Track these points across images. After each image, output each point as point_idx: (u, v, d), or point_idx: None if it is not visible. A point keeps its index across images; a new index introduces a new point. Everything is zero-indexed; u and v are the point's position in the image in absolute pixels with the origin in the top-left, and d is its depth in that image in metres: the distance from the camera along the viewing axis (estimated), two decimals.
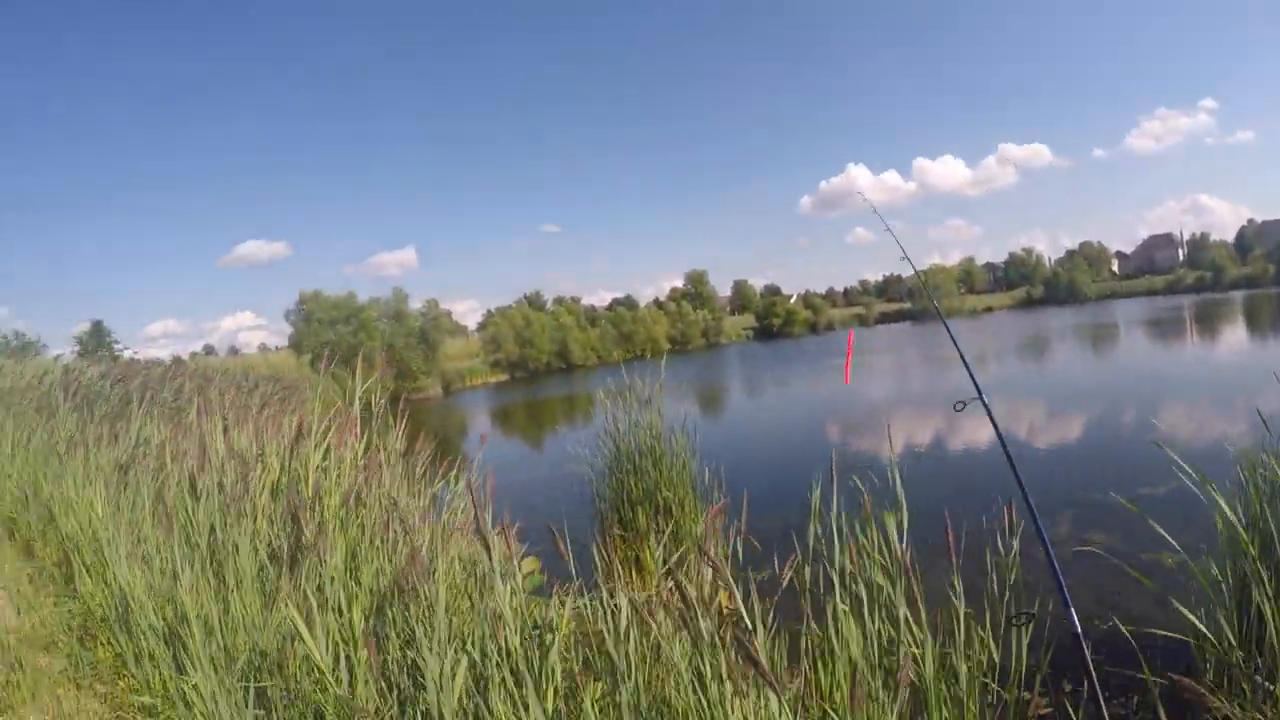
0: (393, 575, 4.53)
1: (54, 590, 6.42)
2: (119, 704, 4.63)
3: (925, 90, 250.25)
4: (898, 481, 5.10)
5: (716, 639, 3.65)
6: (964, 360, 4.68)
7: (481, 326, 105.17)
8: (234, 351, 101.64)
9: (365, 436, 6.92)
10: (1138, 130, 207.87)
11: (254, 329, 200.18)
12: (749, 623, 3.83)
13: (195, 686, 3.69)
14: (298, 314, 65.00)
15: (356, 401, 6.87)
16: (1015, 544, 4.53)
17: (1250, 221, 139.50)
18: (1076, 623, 3.11)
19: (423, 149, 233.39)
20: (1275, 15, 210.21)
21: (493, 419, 43.54)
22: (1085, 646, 3.01)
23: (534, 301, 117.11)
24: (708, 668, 3.56)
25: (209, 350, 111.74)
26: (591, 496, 10.81)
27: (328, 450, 6.27)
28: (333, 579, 4.44)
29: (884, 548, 4.83)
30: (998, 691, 4.45)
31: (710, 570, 4.52)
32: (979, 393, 4.27)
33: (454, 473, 6.82)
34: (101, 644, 5.27)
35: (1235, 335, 44.86)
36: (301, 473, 6.03)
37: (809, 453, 18.47)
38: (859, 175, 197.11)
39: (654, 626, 3.90)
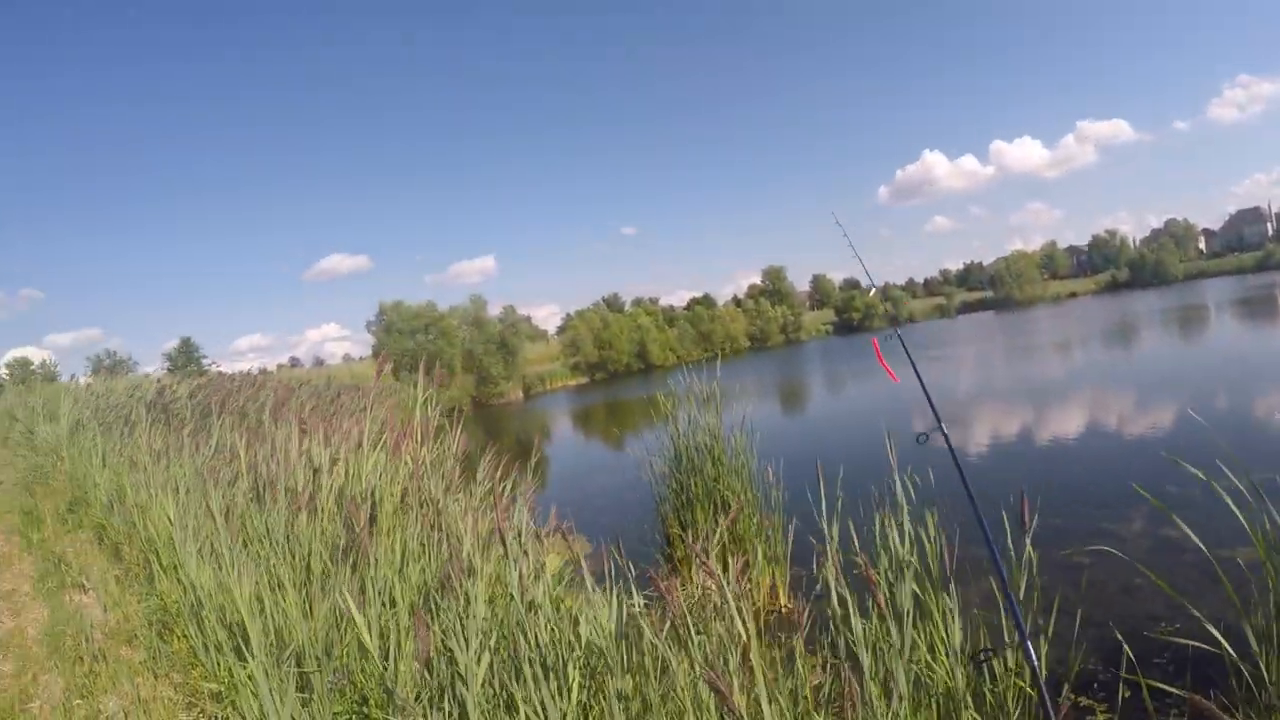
0: (438, 572, 4.83)
1: (137, 589, 6.76)
2: (192, 691, 4.95)
3: (999, 70, 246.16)
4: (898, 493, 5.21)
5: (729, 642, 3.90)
6: (925, 392, 4.74)
7: (561, 330, 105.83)
8: (319, 362, 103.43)
9: (433, 441, 7.20)
10: (1220, 99, 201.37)
11: (339, 340, 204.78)
12: (743, 631, 4.01)
13: (250, 675, 3.99)
14: (378, 324, 66.27)
15: (419, 407, 7.18)
16: (1027, 542, 4.68)
17: None
18: (1034, 658, 3.27)
19: (499, 158, 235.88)
20: None
21: (571, 421, 43.89)
22: (1044, 691, 3.17)
23: (612, 304, 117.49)
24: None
25: (294, 362, 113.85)
26: (654, 497, 11.00)
27: (390, 454, 6.59)
28: (383, 575, 4.78)
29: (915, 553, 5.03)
30: None
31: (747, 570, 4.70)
32: (939, 423, 4.40)
33: (513, 477, 7.10)
34: (177, 637, 5.59)
35: None
36: (360, 476, 6.38)
37: (872, 450, 18.44)
38: (936, 162, 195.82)
39: (678, 628, 4.10)
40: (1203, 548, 4.65)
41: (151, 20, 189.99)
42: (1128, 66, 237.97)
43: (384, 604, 4.61)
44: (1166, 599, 5.31)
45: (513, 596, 4.34)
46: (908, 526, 5.21)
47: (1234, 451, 5.31)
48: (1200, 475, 4.85)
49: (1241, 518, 4.71)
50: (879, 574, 4.92)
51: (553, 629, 4.23)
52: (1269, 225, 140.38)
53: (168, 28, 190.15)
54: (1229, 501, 4.64)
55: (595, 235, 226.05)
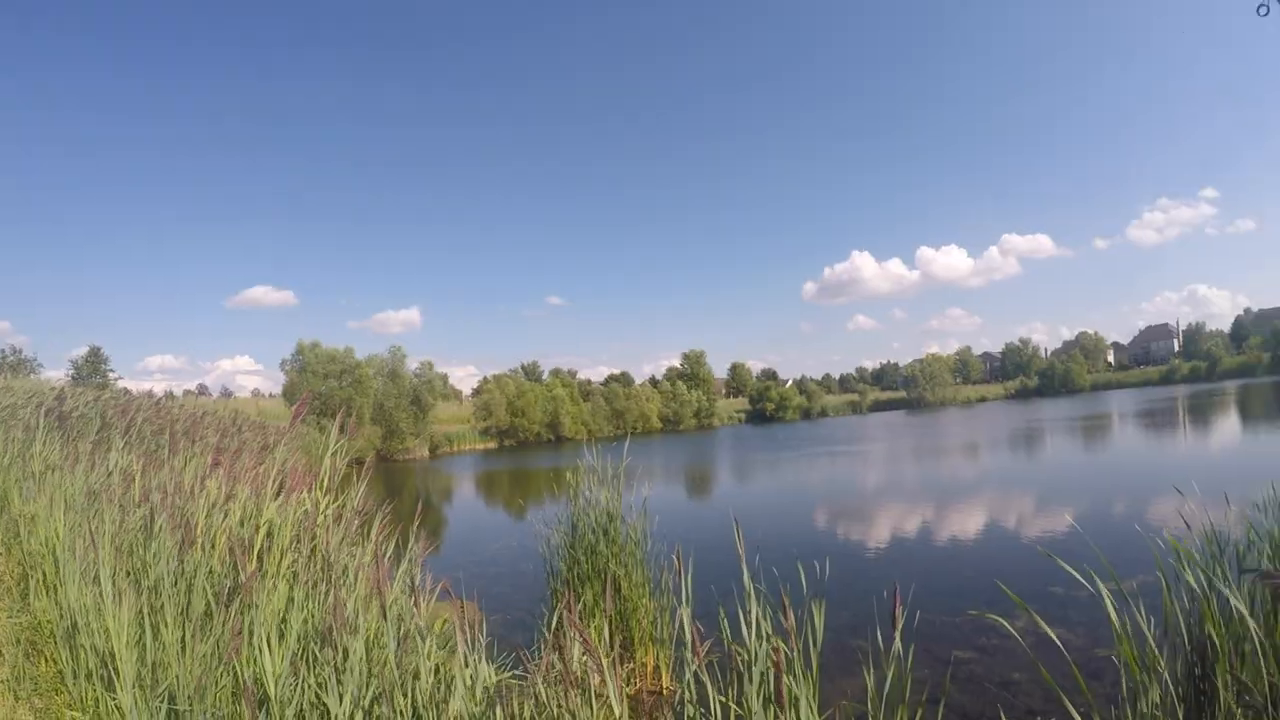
0: (319, 623, 4.85)
1: (9, 604, 6.63)
2: (54, 717, 4.84)
3: (931, 180, 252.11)
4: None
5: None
6: None
7: (476, 392, 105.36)
8: (227, 394, 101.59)
9: (332, 491, 7.19)
10: (1139, 221, 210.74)
11: (250, 373, 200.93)
12: (616, 710, 4.11)
13: (119, 707, 3.96)
14: (294, 363, 65.59)
15: (327, 455, 7.19)
16: (895, 636, 4.87)
17: (1247, 310, 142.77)
18: None
19: (434, 211, 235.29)
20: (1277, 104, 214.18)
21: (475, 485, 43.51)
22: None
23: (530, 372, 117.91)
24: None
25: (202, 390, 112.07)
26: (547, 570, 11.00)
27: (285, 501, 6.58)
28: (265, 621, 4.78)
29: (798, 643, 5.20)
30: None
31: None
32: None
33: (410, 536, 7.11)
34: (45, 659, 5.47)
35: (1216, 427, 45.69)
36: (256, 518, 6.37)
37: (775, 537, 18.78)
38: (863, 263, 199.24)
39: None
40: (1060, 646, 4.92)
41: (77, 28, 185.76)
42: (1055, 186, 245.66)
43: (263, 650, 4.62)
44: (1045, 693, 5.55)
45: (389, 659, 4.40)
46: (779, 617, 5.37)
47: (1110, 557, 5.67)
48: (1078, 577, 5.12)
49: (1114, 619, 5.09)
50: (746, 662, 5.11)
51: (428, 692, 4.29)
52: (1175, 341, 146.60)
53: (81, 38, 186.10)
54: (1109, 604, 4.94)
55: (522, 301, 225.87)
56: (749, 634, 5.27)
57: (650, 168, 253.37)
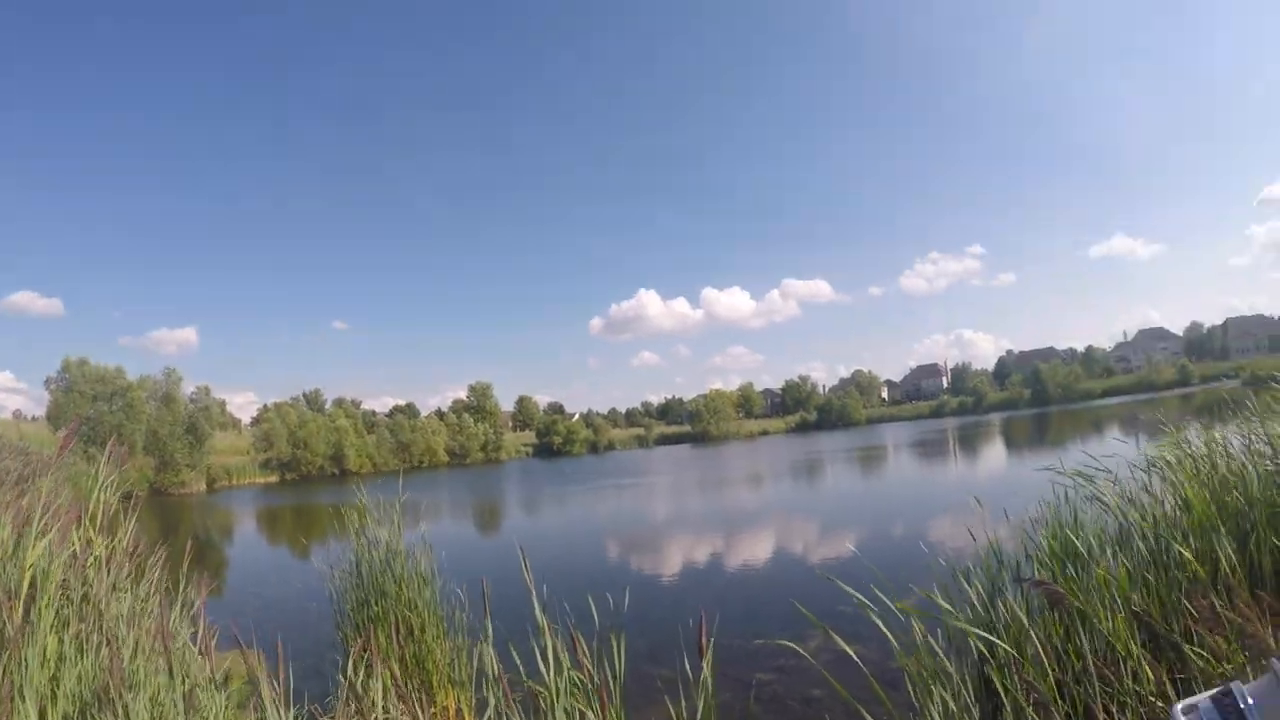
0: (95, 680, 4.46)
1: None
2: None
3: (718, 226, 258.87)
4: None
5: None
6: None
7: (256, 421, 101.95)
8: None
9: (104, 529, 6.69)
10: (911, 271, 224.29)
11: (11, 391, 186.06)
12: None
13: None
14: (59, 382, 61.02)
15: (97, 489, 6.67)
16: (704, 665, 4.87)
17: (1008, 352, 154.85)
18: None
19: (216, 223, 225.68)
20: (1040, 173, 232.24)
21: (257, 522, 41.99)
22: None
23: (313, 401, 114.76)
24: None
25: None
26: (335, 613, 10.58)
27: (52, 540, 6.07)
28: (35, 680, 4.35)
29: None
30: None
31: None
32: None
33: (189, 579, 6.68)
34: None
35: (988, 453, 48.56)
36: (19, 562, 5.85)
37: (568, 570, 18.74)
38: (649, 300, 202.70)
39: None
40: (857, 661, 5.05)
41: None
42: (834, 237, 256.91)
43: (31, 716, 4.19)
44: (845, 707, 5.70)
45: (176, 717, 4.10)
46: (581, 650, 5.36)
47: (898, 574, 6.00)
48: (859, 597, 5.30)
49: (890, 636, 5.36)
50: (549, 700, 5.13)
51: None
52: (944, 379, 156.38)
53: None
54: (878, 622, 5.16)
55: (306, 325, 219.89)
56: (548, 670, 5.20)
57: (440, 195, 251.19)
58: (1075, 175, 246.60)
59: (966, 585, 6.34)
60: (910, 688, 5.40)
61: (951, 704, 5.33)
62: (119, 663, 4.30)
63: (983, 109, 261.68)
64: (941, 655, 5.47)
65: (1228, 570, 5.88)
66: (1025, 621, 5.75)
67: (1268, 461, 6.95)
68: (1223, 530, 6.23)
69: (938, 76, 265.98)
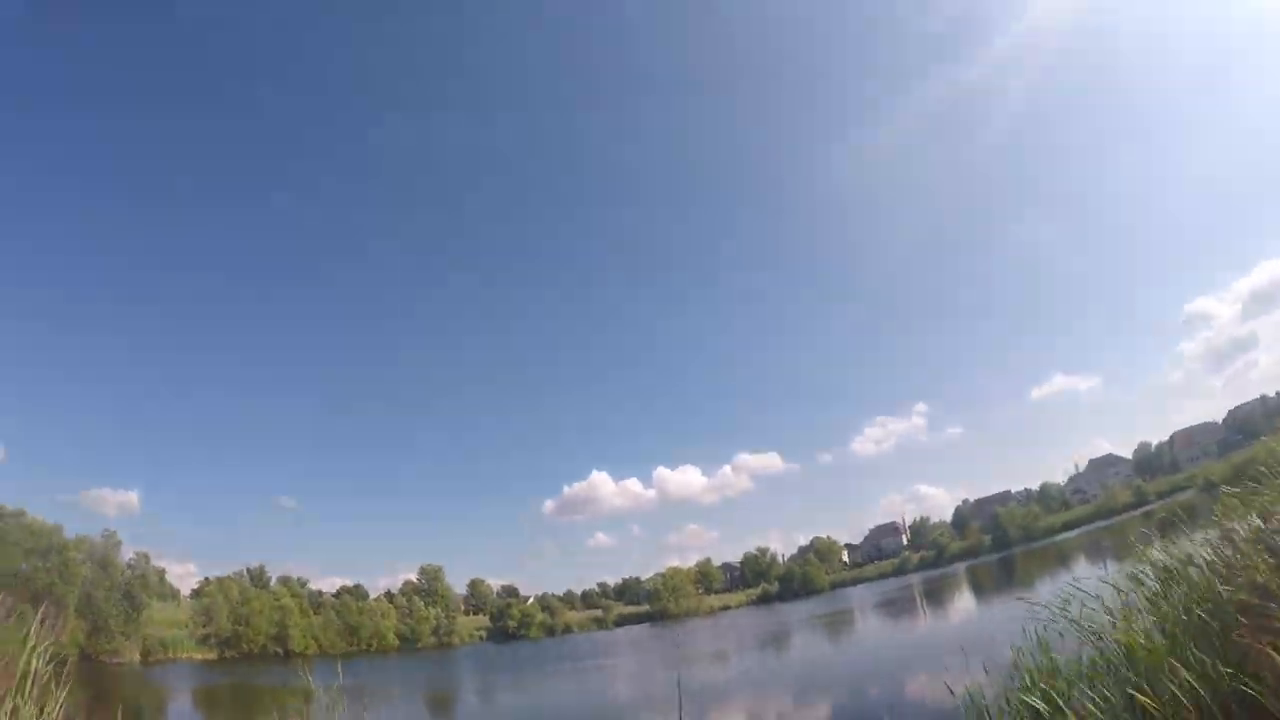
0: None
1: None
2: None
3: (667, 408, 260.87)
4: None
5: None
6: None
7: (196, 594, 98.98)
8: None
9: (32, 694, 6.33)
10: (860, 436, 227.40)
11: None
12: None
13: None
14: None
15: (28, 653, 6.30)
16: None
17: (965, 501, 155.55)
18: None
19: (162, 388, 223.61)
20: (973, 326, 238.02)
21: (193, 700, 40.58)
22: None
23: (256, 578, 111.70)
24: None
25: None
26: None
27: None
28: None
29: None
30: None
31: None
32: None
33: None
34: None
35: (955, 605, 48.38)
36: None
37: None
38: (601, 481, 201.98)
39: None
40: None
41: None
42: (784, 411, 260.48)
43: None
44: None
45: None
46: None
47: None
48: None
49: None
50: None
51: None
52: (904, 536, 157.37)
53: None
54: None
55: (253, 499, 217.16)
56: None
57: (389, 376, 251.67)
58: (1006, 324, 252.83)
59: None
60: None
61: None
62: None
63: (909, 270, 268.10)
64: None
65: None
66: None
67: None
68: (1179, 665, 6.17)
69: (861, 243, 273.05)
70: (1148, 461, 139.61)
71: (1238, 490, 8.19)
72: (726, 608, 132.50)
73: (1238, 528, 7.57)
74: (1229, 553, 7.31)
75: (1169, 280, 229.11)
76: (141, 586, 63.51)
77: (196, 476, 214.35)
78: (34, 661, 6.34)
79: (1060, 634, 7.90)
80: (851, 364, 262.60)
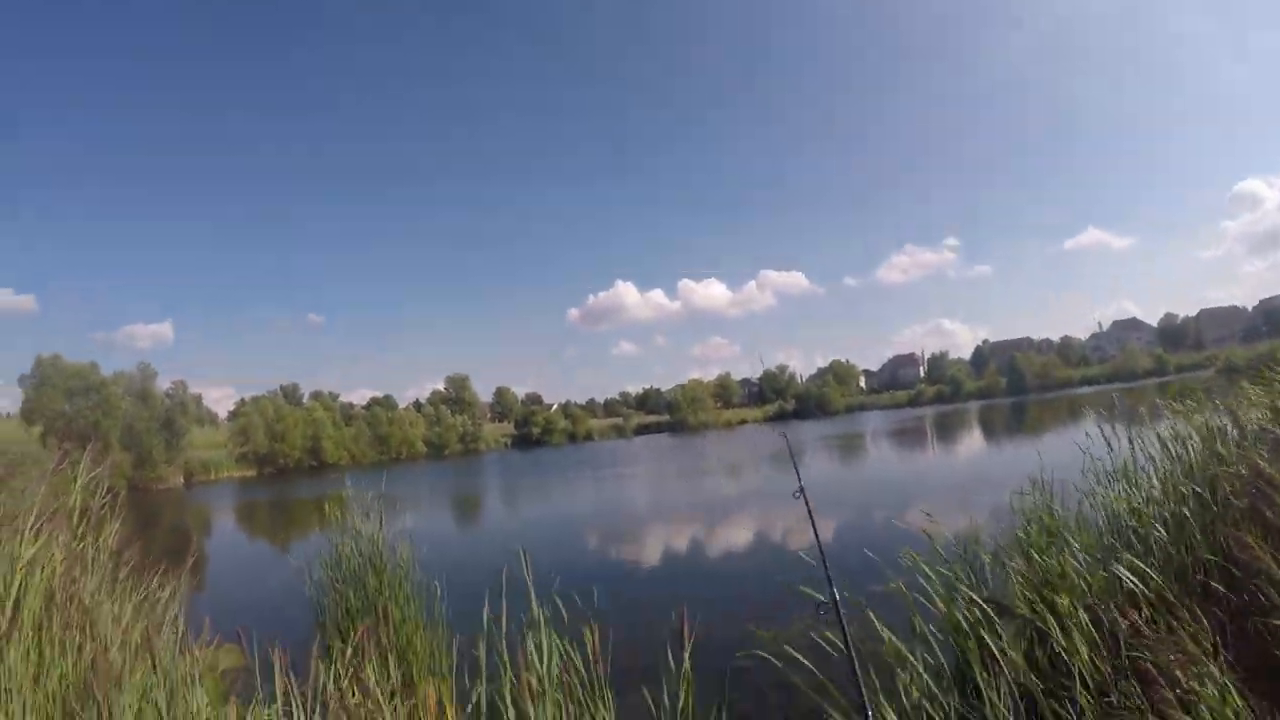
0: (78, 679, 4.45)
1: None
2: None
3: (697, 220, 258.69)
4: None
5: None
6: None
7: (233, 416, 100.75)
8: None
9: (85, 528, 6.62)
10: (887, 263, 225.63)
11: None
12: None
13: None
14: (33, 379, 60.02)
15: (78, 489, 6.59)
16: (685, 656, 5.00)
17: (985, 342, 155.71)
18: None
19: (190, 216, 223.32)
20: (1014, 167, 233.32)
21: (236, 517, 41.76)
22: None
23: (290, 395, 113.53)
24: None
25: None
26: (314, 608, 10.53)
27: (35, 542, 6.00)
28: (19, 688, 4.33)
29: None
30: None
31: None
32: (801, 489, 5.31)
33: (171, 577, 6.66)
34: None
35: (966, 441, 49.74)
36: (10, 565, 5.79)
37: (549, 561, 18.83)
38: (626, 291, 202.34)
39: None
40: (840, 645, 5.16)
41: None
42: (808, 230, 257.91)
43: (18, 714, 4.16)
44: (822, 691, 5.80)
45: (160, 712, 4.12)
46: (556, 642, 5.47)
47: (875, 559, 6.22)
48: (811, 595, 5.45)
49: (875, 618, 5.82)
50: (531, 687, 5.19)
51: None
52: (921, 368, 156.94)
53: None
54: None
55: (282, 319, 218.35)
56: (533, 661, 5.29)
57: (418, 186, 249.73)
58: (1049, 169, 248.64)
59: (928, 571, 6.50)
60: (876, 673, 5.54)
61: (929, 683, 5.58)
62: (105, 661, 4.31)
63: (958, 104, 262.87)
64: (926, 633, 5.70)
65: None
66: (993, 617, 5.87)
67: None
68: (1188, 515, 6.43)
69: (914, 72, 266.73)
70: (1172, 333, 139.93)
71: (1259, 382, 8.17)
72: (744, 422, 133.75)
73: (1250, 415, 7.60)
74: (1235, 435, 7.36)
75: (1222, 152, 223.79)
76: (180, 413, 64.57)
77: (228, 303, 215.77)
78: (82, 495, 6.65)
79: (1057, 486, 7.96)
80: (886, 185, 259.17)
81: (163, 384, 66.15)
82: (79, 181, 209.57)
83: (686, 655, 5.05)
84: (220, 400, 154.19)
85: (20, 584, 5.36)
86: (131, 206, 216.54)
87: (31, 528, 6.06)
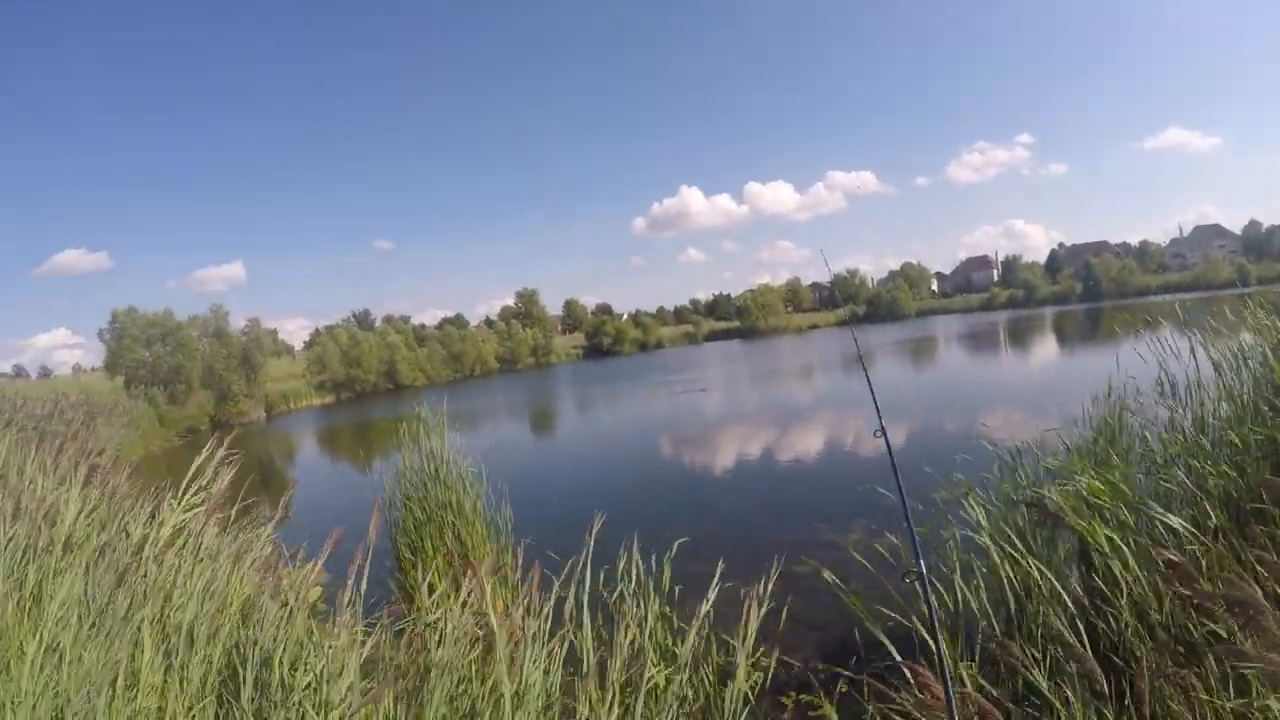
0: (208, 617, 4.73)
1: None
2: None
3: (759, 119, 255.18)
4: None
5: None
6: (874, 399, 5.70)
7: (308, 346, 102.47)
8: (45, 373, 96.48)
9: (185, 472, 6.91)
10: (958, 161, 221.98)
11: (70, 347, 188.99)
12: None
13: None
14: (111, 332, 60.34)
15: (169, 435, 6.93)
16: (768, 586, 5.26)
17: (1060, 245, 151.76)
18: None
19: (252, 157, 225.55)
20: (1090, 59, 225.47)
21: (316, 443, 42.79)
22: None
23: (362, 321, 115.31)
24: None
25: (19, 371, 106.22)
26: (389, 524, 10.96)
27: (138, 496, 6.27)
28: (156, 619, 4.62)
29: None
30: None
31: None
32: (880, 424, 5.15)
33: (264, 506, 7.02)
34: None
35: (1039, 347, 49.81)
36: (120, 518, 6.10)
37: (620, 474, 19.24)
38: (692, 197, 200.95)
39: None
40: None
41: None
42: (880, 125, 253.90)
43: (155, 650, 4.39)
44: (886, 598, 5.99)
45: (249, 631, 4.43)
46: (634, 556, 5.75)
47: (939, 466, 6.43)
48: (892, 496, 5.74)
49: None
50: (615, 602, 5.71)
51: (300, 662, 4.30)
52: (995, 271, 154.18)
53: None
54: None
55: (350, 247, 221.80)
56: (629, 568, 5.60)
57: (474, 103, 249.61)
58: (1129, 61, 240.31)
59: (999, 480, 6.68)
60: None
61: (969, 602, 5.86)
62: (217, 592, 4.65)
63: None
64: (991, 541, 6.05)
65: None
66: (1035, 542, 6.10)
67: None
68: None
69: None
70: (1256, 243, 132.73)
71: None
72: (815, 327, 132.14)
73: None
74: None
75: None
76: (257, 348, 65.29)
77: (295, 235, 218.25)
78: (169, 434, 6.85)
79: (1135, 397, 8.07)
80: (962, 74, 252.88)
81: (237, 322, 66.97)
82: (134, 135, 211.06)
83: (768, 584, 5.33)
84: (295, 332, 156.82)
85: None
86: (194, 154, 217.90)
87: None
